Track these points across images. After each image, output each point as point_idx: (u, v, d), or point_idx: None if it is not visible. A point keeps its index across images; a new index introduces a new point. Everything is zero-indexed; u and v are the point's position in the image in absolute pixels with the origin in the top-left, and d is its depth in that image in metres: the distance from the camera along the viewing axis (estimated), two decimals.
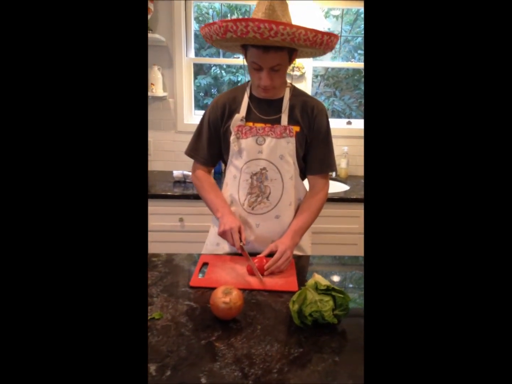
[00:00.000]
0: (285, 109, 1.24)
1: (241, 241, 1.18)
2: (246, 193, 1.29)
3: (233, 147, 1.25)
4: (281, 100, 1.25)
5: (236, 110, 1.26)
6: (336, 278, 1.25)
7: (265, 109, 1.25)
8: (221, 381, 0.76)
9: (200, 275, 1.17)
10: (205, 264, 1.24)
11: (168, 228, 2.18)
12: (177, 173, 2.33)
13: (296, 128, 1.24)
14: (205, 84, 3.35)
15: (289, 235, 1.24)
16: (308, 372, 0.79)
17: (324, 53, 1.17)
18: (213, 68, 3.34)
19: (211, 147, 1.32)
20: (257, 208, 1.29)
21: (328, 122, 1.29)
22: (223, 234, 1.21)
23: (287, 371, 0.79)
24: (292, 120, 1.24)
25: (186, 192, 2.15)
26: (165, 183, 2.33)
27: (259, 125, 1.25)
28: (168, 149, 2.58)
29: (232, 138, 1.25)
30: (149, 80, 2.36)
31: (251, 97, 1.27)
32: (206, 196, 1.34)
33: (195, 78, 3.36)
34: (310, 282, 0.99)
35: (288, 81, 1.28)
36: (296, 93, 1.28)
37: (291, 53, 1.14)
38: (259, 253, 1.22)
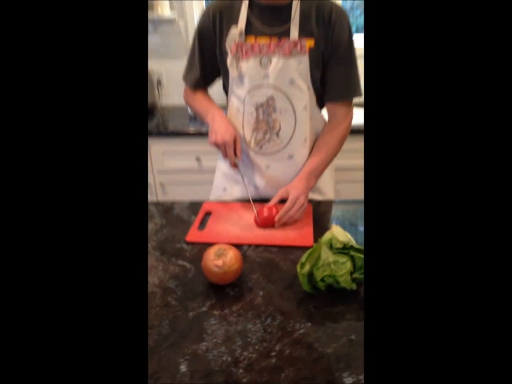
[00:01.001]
0: (295, 17, 0.96)
1: (236, 156, 1.02)
2: (251, 129, 1.07)
3: (232, 72, 1.01)
4: (289, 6, 0.96)
5: (233, 21, 1.00)
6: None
7: (269, 19, 0.98)
8: (204, 368, 0.62)
9: (201, 227, 1.01)
10: (209, 214, 1.08)
11: (185, 168, 2.02)
12: None
13: (310, 42, 0.97)
14: None
15: (302, 177, 1.03)
16: (314, 356, 0.63)
17: None
18: None
19: (203, 65, 1.09)
20: (266, 146, 1.08)
21: (350, 32, 0.99)
22: (215, 146, 1.03)
23: (288, 355, 0.64)
24: (304, 32, 0.97)
25: (203, 130, 1.95)
26: (180, 118, 2.14)
27: (262, 40, 0.98)
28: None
29: (229, 60, 1.00)
30: None
31: (251, 3, 0.99)
32: (196, 104, 1.15)
33: None
34: (326, 237, 0.82)
35: None
36: None
37: None
38: (269, 200, 1.03)
